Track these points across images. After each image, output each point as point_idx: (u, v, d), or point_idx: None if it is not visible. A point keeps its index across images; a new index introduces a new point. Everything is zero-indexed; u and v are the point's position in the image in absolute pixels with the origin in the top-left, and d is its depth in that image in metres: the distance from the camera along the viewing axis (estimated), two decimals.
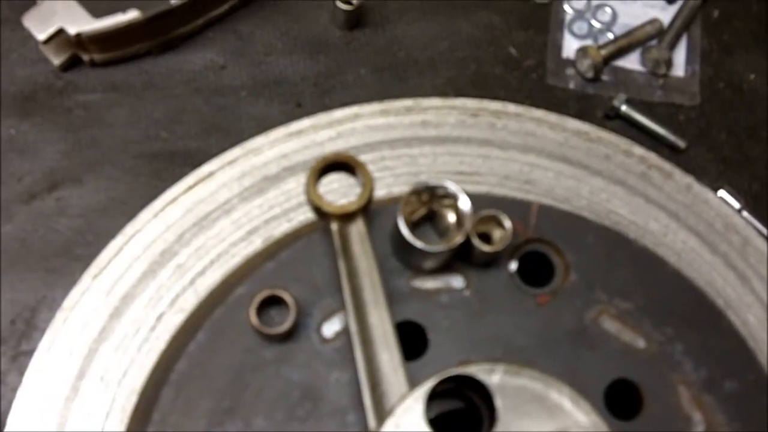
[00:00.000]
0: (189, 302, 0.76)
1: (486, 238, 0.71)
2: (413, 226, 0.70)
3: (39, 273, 0.93)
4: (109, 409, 0.73)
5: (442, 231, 0.71)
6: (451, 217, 0.70)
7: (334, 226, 0.68)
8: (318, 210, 0.68)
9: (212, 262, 0.77)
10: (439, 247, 0.67)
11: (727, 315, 0.76)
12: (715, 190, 1.00)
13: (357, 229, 0.68)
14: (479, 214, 0.69)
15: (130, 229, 0.78)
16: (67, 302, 0.76)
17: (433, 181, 0.68)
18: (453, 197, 0.68)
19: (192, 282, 0.77)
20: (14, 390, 0.73)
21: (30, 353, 0.75)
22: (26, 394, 0.73)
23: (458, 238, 0.67)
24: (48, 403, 0.73)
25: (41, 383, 0.73)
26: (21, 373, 0.75)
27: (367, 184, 0.68)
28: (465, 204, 0.68)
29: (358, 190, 0.68)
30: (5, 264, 0.94)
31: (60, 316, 0.75)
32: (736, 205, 0.99)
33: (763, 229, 0.99)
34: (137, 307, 0.76)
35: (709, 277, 0.80)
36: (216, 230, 0.79)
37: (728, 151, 1.05)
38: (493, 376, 0.61)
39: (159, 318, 0.75)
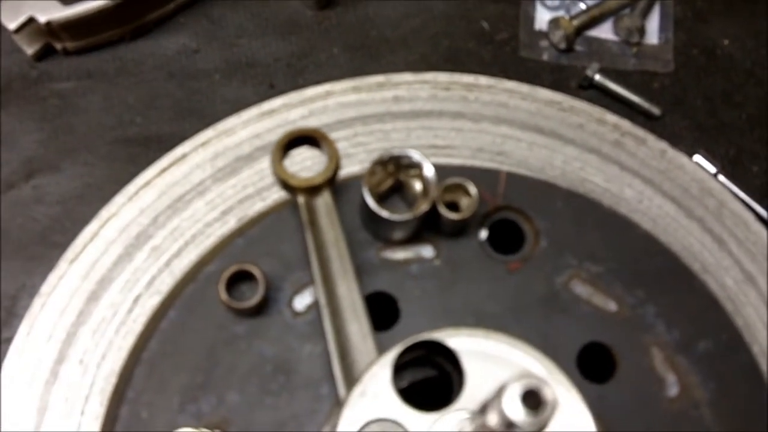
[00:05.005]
0: (165, 284, 0.76)
1: (454, 207, 0.71)
2: (381, 198, 0.70)
3: (18, 261, 0.94)
4: (89, 392, 0.73)
5: (411, 201, 0.71)
6: (418, 187, 0.70)
7: (301, 199, 0.69)
8: (284, 184, 0.69)
9: (187, 244, 0.78)
10: (404, 215, 0.68)
11: (704, 278, 0.76)
12: (691, 156, 0.99)
13: (324, 202, 0.69)
14: (445, 182, 0.69)
15: (104, 213, 0.78)
16: (45, 288, 0.76)
17: (396, 151, 0.68)
18: (418, 166, 0.68)
19: (168, 264, 0.77)
20: None
21: (11, 341, 0.75)
22: (6, 380, 0.73)
23: (424, 206, 0.68)
24: (28, 388, 0.73)
25: (21, 369, 0.74)
26: (1, 360, 0.75)
27: (333, 156, 0.68)
28: (429, 171, 0.68)
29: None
30: None
31: (38, 301, 0.76)
32: (712, 169, 0.98)
33: (740, 192, 0.99)
34: (114, 291, 0.76)
35: (686, 242, 0.80)
36: (190, 212, 0.79)
37: (704, 117, 1.04)
38: (457, 339, 0.62)
39: (136, 300, 0.76)
